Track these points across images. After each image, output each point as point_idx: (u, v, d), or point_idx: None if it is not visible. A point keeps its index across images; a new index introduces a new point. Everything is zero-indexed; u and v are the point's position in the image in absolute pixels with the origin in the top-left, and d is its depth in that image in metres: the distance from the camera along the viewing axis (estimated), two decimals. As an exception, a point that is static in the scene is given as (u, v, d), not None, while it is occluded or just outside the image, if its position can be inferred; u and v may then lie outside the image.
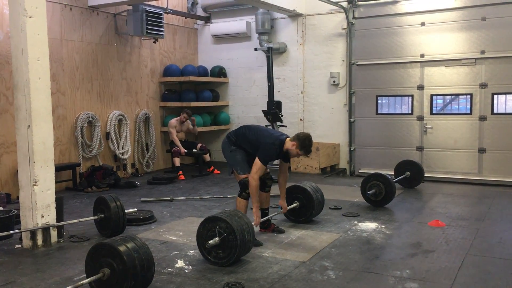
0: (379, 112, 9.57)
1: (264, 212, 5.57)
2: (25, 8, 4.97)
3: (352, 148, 9.85)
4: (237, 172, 5.31)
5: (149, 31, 9.21)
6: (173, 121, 9.77)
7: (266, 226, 5.55)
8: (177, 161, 9.54)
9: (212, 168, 9.91)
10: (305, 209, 5.92)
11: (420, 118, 9.12)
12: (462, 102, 8.95)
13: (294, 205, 5.91)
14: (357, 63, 9.63)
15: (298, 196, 5.96)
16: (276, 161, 5.80)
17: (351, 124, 9.82)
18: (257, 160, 5.13)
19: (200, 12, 11.20)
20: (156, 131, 10.31)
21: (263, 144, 5.16)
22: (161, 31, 9.53)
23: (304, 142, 5.10)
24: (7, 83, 7.49)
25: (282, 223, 5.92)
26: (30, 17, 5.00)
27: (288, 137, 5.30)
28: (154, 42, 9.93)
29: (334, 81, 9.88)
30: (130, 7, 9.17)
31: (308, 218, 5.96)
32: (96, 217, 5.56)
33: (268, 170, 5.55)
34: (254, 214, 5.18)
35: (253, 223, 4.95)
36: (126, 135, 9.46)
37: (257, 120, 10.56)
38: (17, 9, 5.01)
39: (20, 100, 5.10)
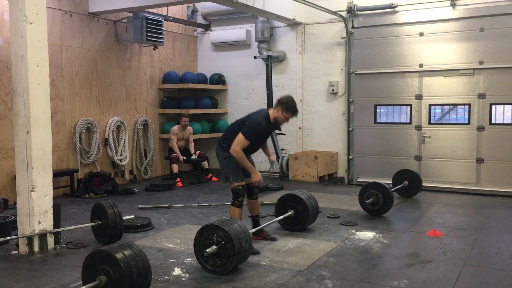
0: (377, 121, 9.59)
1: (255, 219, 5.59)
2: (26, 14, 4.99)
3: (351, 157, 9.86)
4: (230, 180, 5.27)
5: (149, 38, 9.24)
6: (175, 128, 9.78)
7: (258, 233, 5.53)
8: (175, 168, 9.54)
9: (210, 175, 9.91)
10: (300, 217, 5.92)
11: (418, 127, 9.14)
12: (460, 112, 8.98)
13: (289, 213, 5.91)
14: (356, 72, 9.66)
15: (292, 205, 5.95)
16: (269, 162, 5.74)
17: (349, 133, 9.84)
18: (239, 134, 5.06)
19: (200, 19, 11.25)
20: (155, 137, 10.31)
21: (249, 120, 5.13)
22: (161, 38, 9.56)
23: (288, 104, 5.14)
24: (6, 89, 7.49)
25: (277, 232, 5.91)
26: (30, 24, 5.02)
27: (269, 109, 5.31)
28: (154, 49, 9.97)
29: (332, 90, 9.91)
30: (131, 14, 9.21)
31: (303, 226, 5.95)
32: (93, 224, 5.55)
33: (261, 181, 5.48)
34: (250, 169, 5.11)
35: (254, 179, 5.07)
36: (124, 141, 9.46)
37: (256, 128, 10.56)
38: (18, 15, 5.02)
39: (19, 106, 5.10)
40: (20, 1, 4.98)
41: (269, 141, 10.06)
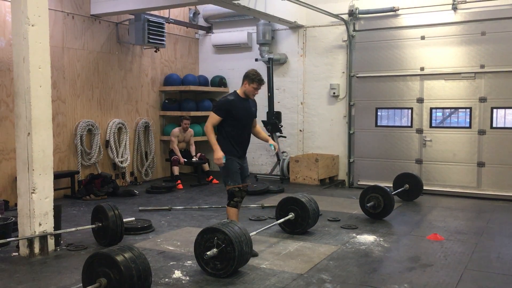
0: (378, 124, 9.59)
1: None
2: (28, 16, 5.00)
3: (351, 160, 9.86)
4: (227, 183, 5.32)
5: (150, 40, 9.25)
6: (176, 130, 9.79)
7: None
8: (176, 170, 9.54)
9: (211, 177, 9.90)
10: (301, 220, 5.92)
11: (420, 131, 9.14)
12: (462, 115, 8.98)
13: (290, 216, 5.91)
14: (357, 75, 9.67)
15: (293, 208, 5.95)
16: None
17: (350, 136, 9.83)
18: (210, 112, 5.34)
19: (201, 22, 11.27)
20: (156, 139, 10.31)
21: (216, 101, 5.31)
22: (163, 40, 9.57)
23: (252, 75, 5.31)
24: (8, 90, 7.50)
25: (278, 234, 5.91)
26: (32, 25, 5.03)
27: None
28: (155, 51, 9.98)
29: (334, 93, 9.91)
30: (132, 16, 9.22)
31: (303, 229, 5.95)
32: (94, 226, 5.55)
33: (247, 184, 5.49)
34: (213, 146, 5.19)
35: (214, 160, 5.20)
36: (125, 143, 9.46)
37: (257, 131, 10.56)
38: (20, 17, 5.04)
39: (21, 108, 5.11)
40: (22, 3, 4.99)
41: (270, 143, 10.19)
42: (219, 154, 5.17)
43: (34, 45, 5.06)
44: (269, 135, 10.05)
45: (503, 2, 8.29)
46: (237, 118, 5.27)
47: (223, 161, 5.18)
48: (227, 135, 5.30)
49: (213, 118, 5.26)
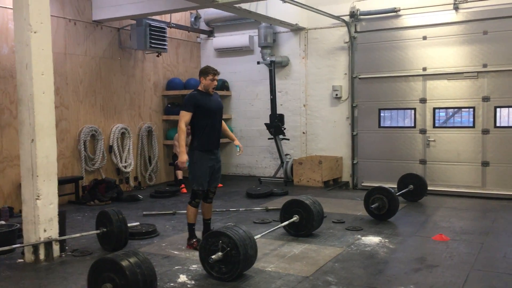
0: (381, 125, 9.58)
1: (206, 222, 5.77)
2: (30, 23, 5.02)
3: (355, 161, 9.84)
4: (192, 185, 5.49)
5: (152, 45, 9.27)
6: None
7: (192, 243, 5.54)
8: (180, 174, 9.54)
9: (214, 181, 9.89)
10: (305, 222, 5.91)
11: (423, 131, 9.12)
12: (465, 115, 8.96)
13: (294, 219, 5.90)
14: (359, 77, 9.66)
15: (297, 210, 5.94)
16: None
17: (353, 137, 9.82)
18: (180, 112, 5.45)
19: (203, 26, 11.29)
20: (159, 144, 10.32)
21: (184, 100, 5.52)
22: (165, 45, 9.59)
23: (202, 70, 5.54)
24: (11, 97, 7.53)
25: (283, 237, 5.90)
26: (35, 32, 5.05)
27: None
28: (158, 56, 10.00)
29: (336, 95, 9.90)
30: (134, 22, 9.25)
31: (308, 232, 5.93)
32: (98, 231, 5.55)
33: (220, 186, 5.66)
34: (180, 148, 5.32)
35: (178, 162, 5.36)
36: (129, 148, 9.48)
37: (260, 133, 10.58)
38: (22, 24, 5.05)
39: (24, 114, 5.12)
40: (25, 10, 5.01)
41: (273, 146, 10.21)
42: (183, 158, 5.36)
43: (37, 52, 5.08)
44: (271, 138, 10.12)
45: (505, 1, 8.28)
46: (207, 110, 5.44)
47: (186, 165, 5.38)
48: (200, 129, 5.43)
49: (185, 115, 5.41)
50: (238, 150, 5.84)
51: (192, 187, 5.51)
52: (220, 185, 9.73)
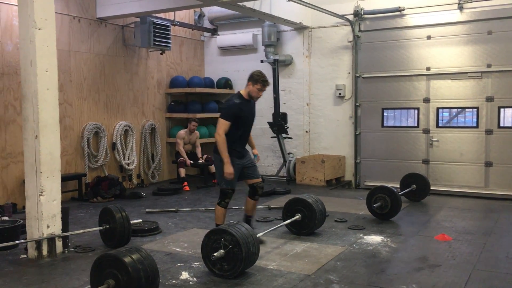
0: (385, 124, 9.57)
1: (248, 219, 5.66)
2: (35, 20, 5.03)
3: (358, 161, 9.84)
4: (220, 185, 5.42)
5: (156, 43, 9.28)
6: (182, 132, 9.80)
7: None
8: (182, 172, 9.55)
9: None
10: (308, 221, 5.91)
11: (426, 131, 9.10)
12: (468, 115, 8.94)
13: (296, 217, 5.90)
14: (363, 76, 9.65)
15: (300, 209, 5.95)
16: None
17: (356, 137, 9.81)
18: (219, 119, 5.27)
19: (207, 24, 11.29)
20: (162, 142, 10.34)
21: (223, 105, 5.26)
22: (168, 43, 9.60)
23: (255, 76, 5.30)
24: (15, 94, 7.55)
25: (284, 236, 5.91)
26: (39, 29, 5.06)
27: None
28: (161, 54, 10.01)
29: (339, 94, 9.89)
30: (138, 19, 9.26)
31: (310, 230, 5.94)
32: (101, 228, 5.57)
33: (261, 179, 5.62)
34: (225, 164, 5.17)
35: (225, 174, 5.19)
36: (132, 145, 9.50)
37: (263, 132, 10.58)
38: (27, 20, 5.07)
39: (28, 111, 5.14)
40: (29, 7, 5.03)
41: (276, 145, 10.22)
42: (230, 169, 5.20)
43: (41, 49, 5.09)
44: (274, 137, 10.13)
45: (510, 1, 8.25)
46: (245, 120, 5.36)
47: (232, 177, 5.25)
48: (233, 136, 5.33)
49: (224, 124, 5.23)
50: (255, 158, 5.76)
51: (220, 187, 5.40)
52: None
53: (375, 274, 4.64)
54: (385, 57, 9.38)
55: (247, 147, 5.61)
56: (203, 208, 7.55)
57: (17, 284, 4.42)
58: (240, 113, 5.29)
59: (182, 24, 10.54)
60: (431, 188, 8.22)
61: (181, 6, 8.54)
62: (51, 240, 5.16)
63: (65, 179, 7.69)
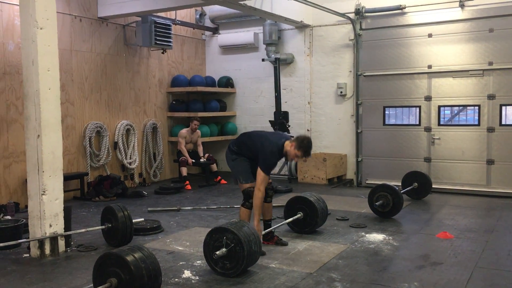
0: (386, 123, 9.56)
1: (267, 223, 5.55)
2: (36, 19, 5.04)
3: (359, 159, 9.84)
4: (239, 181, 5.34)
5: (157, 42, 9.29)
6: (184, 131, 9.81)
7: (269, 239, 5.48)
8: (184, 171, 9.56)
9: (219, 178, 9.92)
10: (309, 219, 5.91)
11: (428, 129, 9.10)
12: (470, 113, 8.93)
13: (298, 216, 5.91)
14: (364, 74, 9.64)
15: (301, 207, 5.95)
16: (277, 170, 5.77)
17: (358, 135, 9.81)
18: (259, 171, 5.09)
19: (208, 23, 11.30)
20: (164, 141, 10.35)
21: (263, 153, 5.11)
22: (170, 42, 9.61)
23: (303, 142, 5.06)
24: (17, 93, 7.57)
25: (287, 234, 5.91)
26: (41, 29, 5.07)
27: (288, 139, 5.25)
28: (163, 53, 10.02)
29: (341, 92, 9.89)
30: (139, 18, 9.27)
31: (312, 229, 5.94)
32: (103, 227, 5.58)
33: (271, 180, 5.54)
34: (255, 227, 5.01)
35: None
36: (133, 144, 9.51)
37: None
38: (28, 20, 5.08)
39: (30, 110, 5.15)
40: (31, 6, 5.04)
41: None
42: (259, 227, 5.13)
43: (43, 48, 5.10)
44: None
45: (511, -2, 8.24)
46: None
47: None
48: (246, 157, 5.34)
49: (265, 179, 5.12)
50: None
51: (242, 190, 5.31)
52: (224, 181, 9.82)
53: (377, 272, 4.65)
54: (387, 55, 9.37)
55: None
56: (205, 207, 7.56)
57: (20, 283, 4.44)
58: (274, 165, 5.25)
59: (183, 23, 10.55)
60: (433, 186, 8.21)
61: (182, 5, 8.55)
62: (53, 239, 5.17)
63: (67, 178, 7.69)
